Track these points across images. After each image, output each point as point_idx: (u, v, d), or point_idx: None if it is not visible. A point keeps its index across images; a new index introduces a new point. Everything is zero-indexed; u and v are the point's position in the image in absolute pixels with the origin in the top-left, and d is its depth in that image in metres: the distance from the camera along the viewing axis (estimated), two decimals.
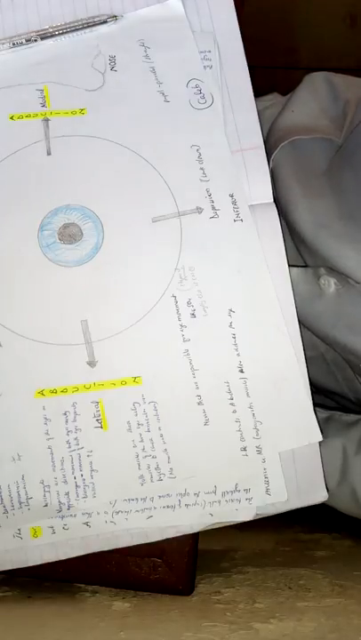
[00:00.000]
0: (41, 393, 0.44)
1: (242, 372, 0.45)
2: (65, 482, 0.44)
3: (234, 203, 0.46)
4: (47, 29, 0.47)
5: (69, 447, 0.44)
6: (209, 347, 0.45)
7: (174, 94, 0.47)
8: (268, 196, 0.46)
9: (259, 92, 0.49)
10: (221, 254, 0.45)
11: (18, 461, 0.44)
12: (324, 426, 0.51)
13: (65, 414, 0.44)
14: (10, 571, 0.45)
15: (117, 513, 0.45)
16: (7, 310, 0.45)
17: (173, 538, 0.45)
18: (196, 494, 0.45)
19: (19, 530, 0.45)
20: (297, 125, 0.53)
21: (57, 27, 0.47)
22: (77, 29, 0.47)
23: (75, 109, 0.46)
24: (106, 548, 0.45)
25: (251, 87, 0.47)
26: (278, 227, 0.46)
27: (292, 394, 0.45)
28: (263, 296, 0.45)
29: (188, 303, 0.45)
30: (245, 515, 0.45)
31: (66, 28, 0.47)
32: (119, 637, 0.41)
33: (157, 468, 0.45)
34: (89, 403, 0.45)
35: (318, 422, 0.45)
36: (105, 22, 0.47)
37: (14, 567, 0.45)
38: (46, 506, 0.44)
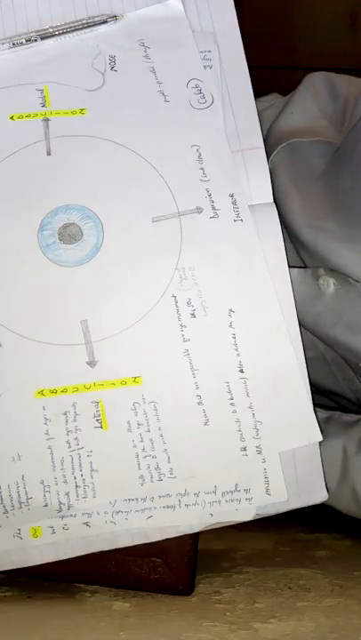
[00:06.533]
0: (41, 393, 0.44)
1: (242, 372, 0.45)
2: (65, 482, 0.44)
3: (234, 203, 0.46)
4: (47, 29, 0.47)
5: (69, 447, 0.44)
6: (209, 347, 0.45)
7: (174, 94, 0.47)
8: (268, 196, 0.46)
9: (259, 92, 0.49)
10: (221, 254, 0.45)
11: (18, 461, 0.44)
12: (324, 426, 0.51)
13: (65, 414, 0.44)
14: (10, 571, 0.45)
15: (117, 513, 0.45)
16: (7, 310, 0.45)
17: (173, 538, 0.45)
18: (196, 494, 0.45)
19: (19, 530, 0.45)
20: (296, 128, 0.54)
21: (57, 27, 0.47)
22: (77, 29, 0.47)
23: (75, 109, 0.46)
24: (106, 548, 0.45)
25: (251, 87, 0.47)
26: (278, 227, 0.46)
27: (292, 394, 0.45)
28: (263, 296, 0.45)
29: (188, 303, 0.45)
30: (245, 515, 0.45)
31: (66, 28, 0.47)
32: (119, 637, 0.41)
33: (157, 467, 0.45)
34: (89, 403, 0.45)
35: (318, 422, 0.45)
36: (105, 22, 0.47)
37: (14, 567, 0.45)
38: (46, 506, 0.44)
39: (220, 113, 0.47)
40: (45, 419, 0.44)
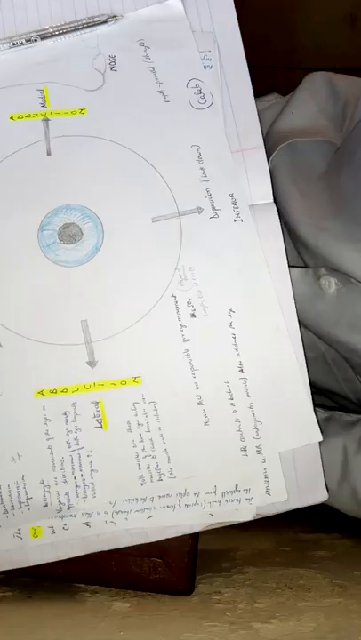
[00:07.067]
0: (41, 393, 0.44)
1: (242, 372, 0.45)
2: (65, 482, 0.44)
3: (234, 203, 0.46)
4: (47, 29, 0.47)
5: (69, 447, 0.44)
6: (209, 347, 0.45)
7: (174, 94, 0.47)
8: (269, 196, 0.46)
9: (259, 91, 0.49)
10: (221, 254, 0.45)
11: (18, 461, 0.44)
12: (324, 426, 0.51)
13: (65, 414, 0.44)
14: (10, 571, 0.45)
15: (117, 513, 0.45)
16: (7, 310, 0.45)
17: (173, 538, 0.45)
18: (196, 494, 0.45)
19: (19, 530, 0.45)
20: (296, 128, 0.53)
21: (57, 27, 0.47)
22: (77, 29, 0.47)
23: (75, 109, 0.46)
24: (106, 548, 0.45)
25: (251, 87, 0.47)
26: (278, 227, 0.46)
27: (292, 394, 0.45)
28: (263, 296, 0.45)
29: (188, 303, 0.45)
30: (245, 515, 0.45)
31: (66, 28, 0.47)
32: (119, 637, 0.41)
33: (157, 467, 0.45)
34: (89, 403, 0.45)
35: (318, 422, 0.45)
36: (105, 22, 0.47)
37: (14, 567, 0.45)
38: (46, 506, 0.44)
39: (220, 113, 0.47)
40: (45, 419, 0.44)
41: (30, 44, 0.47)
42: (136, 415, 0.45)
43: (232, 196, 0.46)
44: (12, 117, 0.46)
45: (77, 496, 0.45)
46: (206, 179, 0.46)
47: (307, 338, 0.48)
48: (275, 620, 0.42)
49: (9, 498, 0.44)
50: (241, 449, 0.45)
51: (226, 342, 0.45)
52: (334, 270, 0.48)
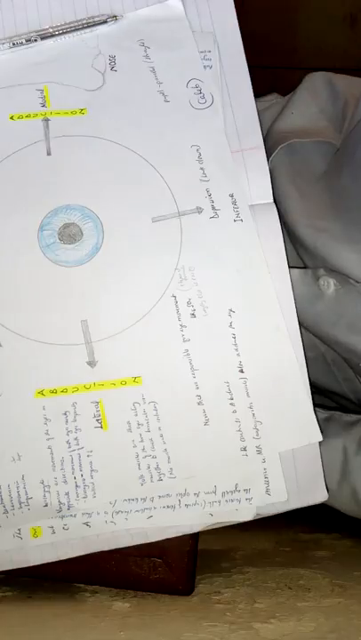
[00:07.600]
0: (41, 393, 0.44)
1: (242, 372, 0.45)
2: (65, 482, 0.44)
3: (234, 203, 0.46)
4: (47, 29, 0.47)
5: (69, 447, 0.44)
6: (209, 347, 0.45)
7: (174, 94, 0.47)
8: (269, 196, 0.46)
9: (259, 92, 0.49)
10: (221, 254, 0.45)
11: (18, 461, 0.44)
12: (324, 426, 0.51)
13: (65, 414, 0.44)
14: (10, 571, 0.45)
15: (117, 513, 0.45)
16: (7, 310, 0.45)
17: (173, 538, 0.45)
18: (196, 494, 0.45)
19: (19, 530, 0.45)
20: (296, 128, 0.54)
21: (57, 27, 0.47)
22: (77, 29, 0.47)
23: (75, 109, 0.46)
24: (106, 548, 0.45)
25: (251, 87, 0.47)
26: (278, 227, 0.46)
27: (292, 394, 0.45)
28: (263, 296, 0.45)
29: (188, 303, 0.45)
30: (245, 515, 0.45)
31: (66, 28, 0.47)
32: (119, 637, 0.41)
33: (157, 467, 0.45)
34: (89, 403, 0.45)
35: (318, 422, 0.45)
36: (105, 22, 0.47)
37: (14, 567, 0.45)
38: (46, 506, 0.44)
39: (220, 113, 0.47)
40: (45, 419, 0.44)
41: (30, 44, 0.47)
42: (136, 415, 0.45)
43: (232, 195, 0.46)
44: (11, 117, 0.46)
45: (77, 496, 0.45)
46: (206, 179, 0.46)
47: (307, 338, 0.49)
48: (275, 619, 0.42)
49: (9, 498, 0.44)
50: (241, 449, 0.45)
51: (226, 342, 0.45)
52: (333, 271, 0.48)
